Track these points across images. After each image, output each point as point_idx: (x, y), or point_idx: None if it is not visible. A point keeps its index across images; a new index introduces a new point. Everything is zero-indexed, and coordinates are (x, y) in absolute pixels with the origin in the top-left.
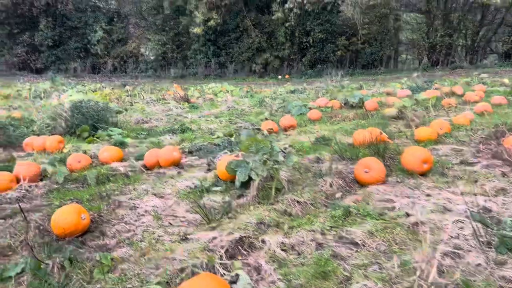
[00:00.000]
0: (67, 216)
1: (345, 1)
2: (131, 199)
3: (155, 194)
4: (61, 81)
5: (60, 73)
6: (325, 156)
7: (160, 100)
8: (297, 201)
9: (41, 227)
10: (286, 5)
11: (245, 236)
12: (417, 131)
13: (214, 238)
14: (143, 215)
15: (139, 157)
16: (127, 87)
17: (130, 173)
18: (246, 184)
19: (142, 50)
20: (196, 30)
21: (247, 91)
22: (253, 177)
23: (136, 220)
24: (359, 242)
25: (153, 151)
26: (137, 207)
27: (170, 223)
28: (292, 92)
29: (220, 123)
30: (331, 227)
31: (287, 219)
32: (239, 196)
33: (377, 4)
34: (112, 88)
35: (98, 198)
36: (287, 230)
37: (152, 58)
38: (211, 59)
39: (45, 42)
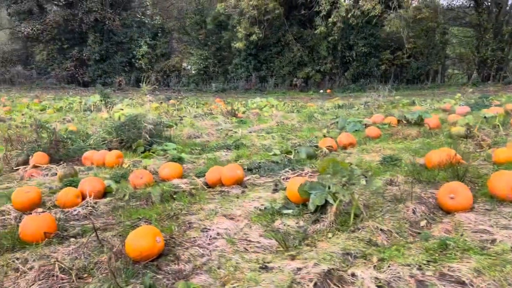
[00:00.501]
0: (142, 238)
1: (391, 15)
2: (201, 220)
3: (225, 216)
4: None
5: (106, 87)
6: (398, 178)
7: (207, 114)
8: (381, 229)
9: (115, 249)
10: (330, 19)
11: (333, 269)
12: (497, 152)
13: (299, 269)
14: (215, 238)
15: (199, 174)
16: (172, 101)
17: (193, 191)
18: (321, 208)
19: (184, 64)
20: (238, 44)
21: (293, 106)
22: (330, 201)
23: (209, 244)
24: (466, 281)
25: (215, 168)
26: (209, 229)
27: (246, 249)
28: (340, 107)
29: (273, 139)
30: (428, 261)
31: (374, 249)
32: (315, 221)
33: (424, 17)
34: (161, 102)
35: (167, 218)
36: (377, 262)
37: (194, 72)
38: (252, 73)
39: (93, 57)
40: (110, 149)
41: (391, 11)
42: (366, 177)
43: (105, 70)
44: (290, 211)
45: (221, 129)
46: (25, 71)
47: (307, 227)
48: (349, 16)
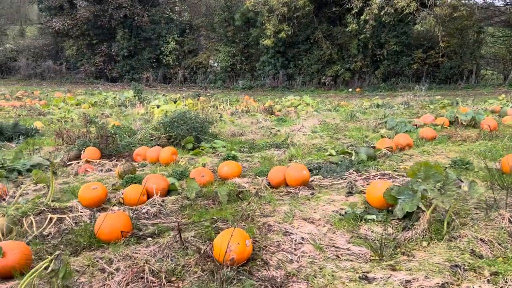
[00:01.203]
0: (229, 241)
1: (424, 12)
2: (279, 223)
3: (304, 219)
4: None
5: (134, 82)
6: (478, 183)
7: (244, 112)
8: (481, 239)
9: (202, 252)
10: (362, 17)
11: (446, 283)
12: None
13: (408, 281)
14: (300, 243)
15: (260, 174)
16: (201, 98)
17: (259, 192)
18: (409, 215)
19: (211, 61)
20: (266, 42)
21: (327, 104)
22: (422, 208)
23: (295, 249)
24: None
25: (278, 168)
26: (291, 233)
27: (337, 256)
28: (379, 106)
29: (322, 138)
30: None
31: (482, 262)
32: (404, 229)
33: (460, 16)
34: (198, 100)
35: (242, 219)
36: (490, 276)
37: (221, 69)
38: (279, 71)
39: (121, 52)
40: (158, 145)
41: (426, 9)
42: (461, 181)
43: (133, 66)
44: (373, 217)
45: (262, 127)
46: (55, 65)
47: (397, 235)
48: (381, 13)
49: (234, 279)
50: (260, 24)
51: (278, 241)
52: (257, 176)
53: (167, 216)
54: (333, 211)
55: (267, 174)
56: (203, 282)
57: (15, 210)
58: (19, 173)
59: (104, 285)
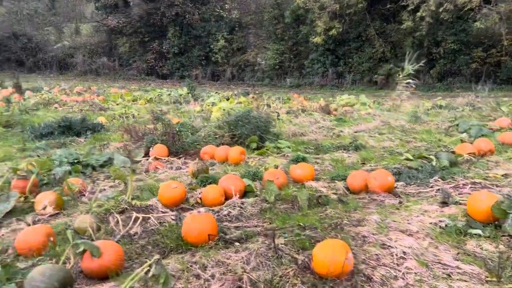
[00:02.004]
0: (334, 253)
1: (484, 9)
2: (374, 234)
3: (401, 231)
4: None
5: (183, 80)
6: None
7: (301, 111)
8: None
9: (300, 262)
10: (418, 14)
11: None
12: None
13: None
14: (402, 257)
15: (336, 178)
16: (251, 95)
17: (337, 197)
18: None
19: (259, 59)
20: (316, 39)
21: (381, 104)
22: None
23: (397, 264)
24: None
25: (359, 173)
26: (390, 246)
27: (448, 275)
28: (442, 107)
29: (391, 141)
30: None
31: None
32: None
33: None
34: (253, 98)
35: (330, 228)
36: None
37: (269, 67)
38: (329, 69)
39: (172, 50)
40: (222, 144)
41: (489, 5)
42: None
43: (183, 63)
44: (479, 232)
45: (322, 127)
46: (109, 62)
47: (510, 254)
48: (440, 10)
49: None
50: (310, 21)
51: (377, 255)
52: (335, 180)
53: (248, 219)
54: (431, 223)
55: (345, 178)
56: None
57: (98, 207)
58: (93, 168)
59: None
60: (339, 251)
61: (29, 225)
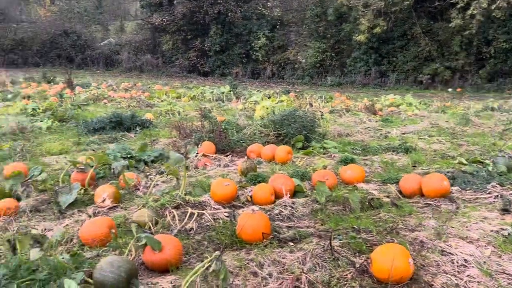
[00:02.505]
0: (392, 258)
1: None
2: (432, 240)
3: (461, 238)
4: (236, 85)
5: (223, 77)
6: None
7: (344, 110)
8: None
9: (357, 265)
10: (468, 12)
11: None
12: None
13: None
14: (463, 265)
15: (388, 180)
16: (291, 94)
17: (390, 200)
18: None
19: (300, 57)
20: (359, 37)
21: (429, 105)
22: None
23: (458, 272)
24: None
25: (412, 176)
26: (450, 253)
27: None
28: (493, 109)
29: (441, 143)
30: None
31: None
32: None
33: None
34: (296, 96)
35: (385, 232)
36: None
37: (309, 65)
38: (372, 68)
39: (213, 48)
40: (267, 143)
41: None
42: None
43: (224, 61)
44: None
45: (368, 127)
46: (153, 59)
47: None
48: (492, 7)
49: None
50: (354, 19)
51: (437, 261)
52: (386, 183)
53: (300, 219)
54: (492, 230)
55: (397, 181)
56: None
57: (154, 202)
58: (145, 163)
59: None
60: (399, 256)
61: (90, 216)
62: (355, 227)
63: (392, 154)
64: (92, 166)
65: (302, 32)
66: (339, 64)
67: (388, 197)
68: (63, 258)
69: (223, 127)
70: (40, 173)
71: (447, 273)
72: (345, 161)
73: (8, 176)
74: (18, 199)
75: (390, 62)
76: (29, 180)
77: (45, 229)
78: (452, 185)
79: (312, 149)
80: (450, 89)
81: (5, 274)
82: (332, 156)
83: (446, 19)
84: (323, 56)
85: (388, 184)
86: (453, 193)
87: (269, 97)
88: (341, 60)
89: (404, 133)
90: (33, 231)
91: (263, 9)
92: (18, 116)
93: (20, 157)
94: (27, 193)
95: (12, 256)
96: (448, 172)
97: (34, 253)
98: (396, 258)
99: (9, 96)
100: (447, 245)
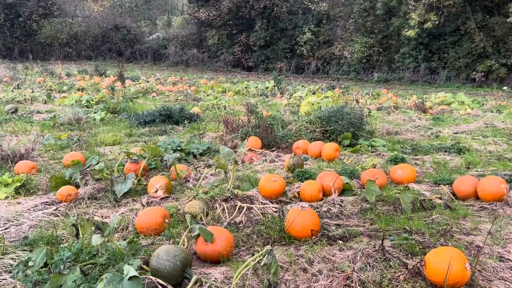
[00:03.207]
0: (447, 262)
1: None
2: (489, 245)
3: None
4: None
5: (267, 72)
6: None
7: (393, 107)
8: None
9: (410, 267)
10: None
11: None
12: None
13: None
14: None
15: (439, 181)
16: (336, 90)
17: (443, 202)
18: None
19: (346, 52)
20: (409, 32)
21: (483, 104)
22: None
23: None
24: None
25: (467, 178)
26: (508, 260)
27: None
28: None
29: (497, 144)
30: None
31: None
32: None
33: None
34: (342, 92)
35: (439, 234)
36: None
37: (355, 60)
38: (421, 64)
39: (258, 42)
40: (313, 139)
41: None
42: None
43: (268, 56)
44: None
45: (418, 126)
46: (199, 54)
47: None
48: None
49: None
50: (403, 13)
51: (494, 267)
52: (439, 184)
53: (349, 218)
54: None
55: (450, 183)
56: None
57: (204, 194)
58: (194, 156)
59: (309, 286)
60: (456, 260)
61: (143, 206)
62: (407, 228)
63: (444, 154)
64: (145, 157)
65: (348, 27)
66: (387, 60)
67: (441, 198)
68: (120, 244)
69: (268, 122)
70: (97, 163)
71: (505, 280)
72: (395, 160)
73: (67, 165)
74: (77, 186)
75: (441, 58)
76: (86, 169)
77: (102, 216)
78: (510, 189)
79: (360, 147)
80: (505, 88)
81: (69, 256)
82: (381, 154)
83: (503, 13)
84: (370, 52)
85: (441, 185)
86: (510, 197)
87: (314, 93)
88: (388, 56)
89: (456, 133)
90: (95, 218)
91: (309, 3)
92: (73, 107)
93: (77, 146)
94: (85, 181)
95: (75, 240)
96: (505, 174)
97: (96, 239)
98: (453, 262)
99: (65, 88)
100: (506, 251)
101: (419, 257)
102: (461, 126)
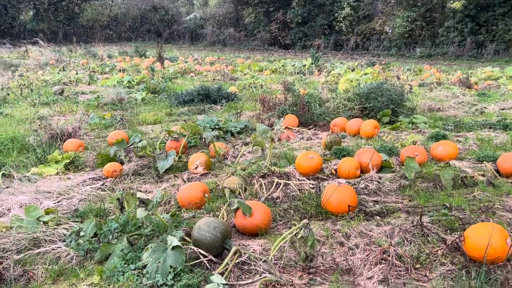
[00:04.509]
0: (487, 237)
1: None
2: None
3: None
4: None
5: (304, 49)
6: None
7: (435, 83)
8: None
9: (448, 242)
10: None
11: None
12: None
13: None
14: None
15: (482, 158)
16: (376, 66)
17: (486, 179)
18: None
19: (387, 27)
20: (455, 4)
21: None
22: None
23: None
24: None
25: (510, 155)
26: None
27: None
28: None
29: None
30: None
31: None
32: None
33: None
34: (382, 68)
35: (480, 211)
36: None
37: (397, 35)
38: (467, 38)
39: (295, 19)
40: (351, 117)
41: None
42: None
43: (306, 33)
44: None
45: (462, 102)
46: (235, 32)
47: None
48: None
49: (496, 280)
50: None
51: None
52: (482, 161)
53: (387, 194)
54: None
55: (494, 160)
56: (456, 277)
57: (242, 170)
58: (232, 134)
59: (346, 259)
60: (497, 235)
61: (184, 181)
62: (447, 204)
63: (489, 131)
64: (185, 136)
65: (390, 1)
66: (430, 34)
67: (483, 175)
68: (164, 217)
69: (306, 100)
70: (140, 141)
71: None
72: (436, 137)
73: (112, 143)
74: (122, 163)
75: (489, 31)
76: (130, 147)
77: (146, 191)
78: None
79: (400, 124)
80: None
81: (116, 228)
82: (422, 131)
83: None
84: (412, 26)
85: (484, 162)
86: None
87: (353, 70)
88: (432, 30)
89: (503, 109)
90: (139, 193)
91: None
92: (115, 88)
93: (120, 125)
94: (129, 158)
95: (121, 213)
96: None
97: (141, 212)
98: (493, 237)
99: (107, 69)
100: None
101: (459, 232)
102: (508, 102)
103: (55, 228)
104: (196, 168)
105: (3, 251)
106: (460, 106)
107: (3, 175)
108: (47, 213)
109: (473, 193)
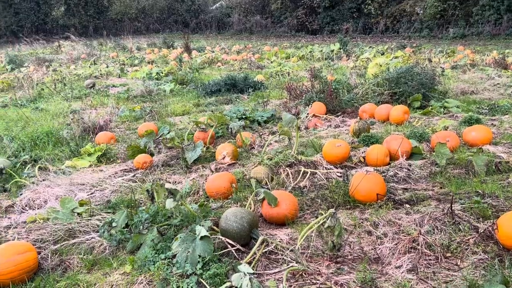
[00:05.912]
0: None
1: None
2: None
3: None
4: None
5: (333, 34)
6: None
7: (469, 65)
8: None
9: (481, 231)
10: None
11: None
12: None
13: None
14: None
15: None
16: (407, 49)
17: None
18: None
19: (418, 8)
20: None
21: None
22: None
23: None
24: None
25: None
26: None
27: None
28: None
29: None
30: None
31: None
32: None
33: None
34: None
35: None
36: None
37: (428, 16)
38: (503, 16)
39: (322, 4)
40: (380, 102)
41: None
42: None
43: (333, 17)
44: None
45: (498, 84)
46: (262, 20)
47: None
48: None
49: None
50: None
51: None
52: None
53: (417, 182)
54: None
55: None
56: (489, 266)
57: (268, 160)
58: (259, 123)
59: (374, 248)
60: None
61: (212, 172)
62: (479, 191)
63: None
64: (212, 126)
65: None
66: (464, 13)
67: None
68: (192, 207)
69: (333, 87)
70: (168, 132)
71: None
72: (469, 122)
73: (142, 134)
74: (151, 154)
75: None
76: (159, 138)
77: (175, 182)
78: None
79: (431, 109)
80: None
81: (147, 218)
82: (454, 116)
83: None
84: (445, 6)
85: None
86: None
87: (383, 54)
88: (466, 9)
89: None
90: (167, 184)
91: None
92: (144, 80)
93: (150, 117)
94: (159, 150)
95: (151, 204)
96: None
97: (169, 203)
98: None
99: (136, 61)
100: None
101: (492, 220)
102: None
103: (88, 219)
104: (223, 158)
105: (41, 241)
106: (495, 88)
107: (40, 168)
108: (81, 204)
109: (508, 179)
